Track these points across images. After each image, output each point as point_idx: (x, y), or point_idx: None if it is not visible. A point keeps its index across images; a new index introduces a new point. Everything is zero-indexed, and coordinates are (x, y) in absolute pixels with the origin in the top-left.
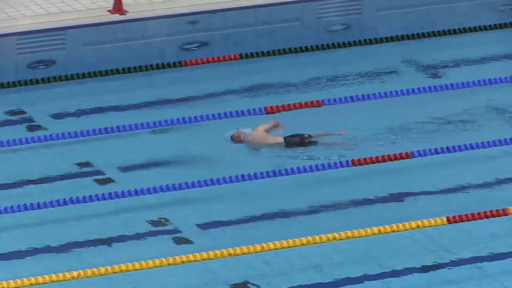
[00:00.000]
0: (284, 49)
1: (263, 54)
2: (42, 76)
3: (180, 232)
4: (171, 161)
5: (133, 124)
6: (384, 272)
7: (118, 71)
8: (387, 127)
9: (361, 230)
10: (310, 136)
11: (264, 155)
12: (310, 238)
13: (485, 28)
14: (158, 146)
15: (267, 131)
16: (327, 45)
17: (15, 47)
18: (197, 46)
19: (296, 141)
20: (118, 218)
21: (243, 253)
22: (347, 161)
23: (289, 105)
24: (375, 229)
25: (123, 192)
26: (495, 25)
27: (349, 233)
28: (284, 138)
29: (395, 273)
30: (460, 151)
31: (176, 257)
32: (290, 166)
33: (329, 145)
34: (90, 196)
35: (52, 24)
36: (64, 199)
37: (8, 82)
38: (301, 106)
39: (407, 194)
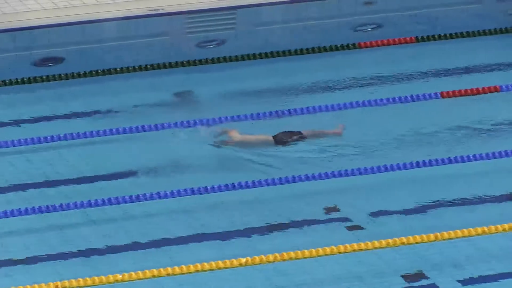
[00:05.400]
0: (461, 33)
1: (439, 37)
2: (212, 56)
3: (351, 221)
4: (342, 144)
5: (305, 107)
6: None
7: (290, 53)
8: None
9: None
10: (299, 133)
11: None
12: (485, 228)
13: None
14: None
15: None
16: (506, 28)
17: (185, 26)
18: (372, 28)
19: (283, 139)
20: (285, 205)
21: (416, 242)
22: None
23: (466, 90)
24: None
25: (293, 177)
26: None
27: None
28: (273, 136)
29: None
30: None
31: (347, 245)
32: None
33: (318, 138)
34: (260, 181)
35: (223, 3)
36: (240, 183)
37: (177, 62)
38: (478, 91)
39: None
